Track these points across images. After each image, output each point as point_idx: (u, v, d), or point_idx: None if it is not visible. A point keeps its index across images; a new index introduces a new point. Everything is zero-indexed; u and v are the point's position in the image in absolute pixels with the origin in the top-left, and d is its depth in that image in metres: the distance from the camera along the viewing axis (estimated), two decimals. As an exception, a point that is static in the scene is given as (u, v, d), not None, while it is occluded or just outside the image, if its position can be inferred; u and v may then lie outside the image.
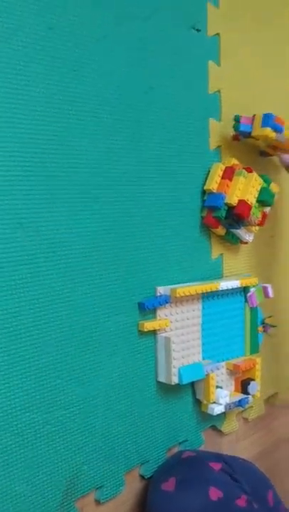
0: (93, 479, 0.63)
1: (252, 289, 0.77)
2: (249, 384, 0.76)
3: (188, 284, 0.71)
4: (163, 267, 0.69)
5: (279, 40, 0.85)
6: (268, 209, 0.76)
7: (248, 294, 0.77)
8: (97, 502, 0.64)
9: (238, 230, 0.73)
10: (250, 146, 0.79)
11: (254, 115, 0.72)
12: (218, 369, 0.73)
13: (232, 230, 0.73)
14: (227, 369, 0.76)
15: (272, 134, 0.71)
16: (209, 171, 0.73)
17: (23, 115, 0.53)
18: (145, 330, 0.65)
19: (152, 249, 0.67)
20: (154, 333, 0.68)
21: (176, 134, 0.69)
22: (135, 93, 0.63)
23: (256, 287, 0.78)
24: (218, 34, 0.73)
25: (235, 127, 0.72)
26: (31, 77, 0.53)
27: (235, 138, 0.76)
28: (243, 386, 0.77)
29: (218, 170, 0.72)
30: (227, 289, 0.74)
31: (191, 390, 0.74)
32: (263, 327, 0.81)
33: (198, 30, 0.70)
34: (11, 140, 0.52)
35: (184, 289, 0.67)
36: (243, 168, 0.72)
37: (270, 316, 0.82)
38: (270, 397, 0.90)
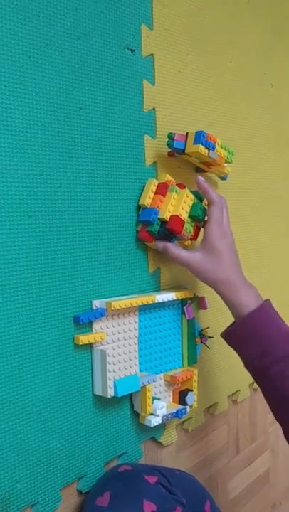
0: (28, 496, 0.62)
1: (188, 301, 0.79)
2: (187, 395, 0.77)
3: (124, 297, 0.72)
4: (99, 281, 0.69)
5: (213, 59, 0.88)
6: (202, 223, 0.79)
7: (185, 306, 0.79)
8: (33, 520, 0.63)
9: None
10: (185, 163, 0.81)
11: (187, 133, 0.75)
12: (154, 381, 0.74)
13: None
14: (165, 380, 0.77)
15: (205, 151, 0.74)
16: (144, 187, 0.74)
17: None
18: (80, 343, 0.65)
19: (88, 262, 0.68)
20: (90, 346, 0.68)
21: (111, 151, 0.70)
22: (67, 111, 0.64)
23: (193, 299, 0.80)
24: (152, 55, 0.75)
25: (169, 144, 0.74)
26: None
27: (171, 154, 0.78)
28: (181, 397, 0.78)
29: (151, 186, 0.73)
30: (164, 302, 0.75)
31: (129, 403, 0.74)
32: (201, 338, 0.83)
33: (132, 51, 0.72)
34: None
35: (119, 302, 0.68)
36: (176, 185, 0.74)
37: (207, 328, 0.84)
38: (210, 407, 0.92)
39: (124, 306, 0.68)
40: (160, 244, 0.73)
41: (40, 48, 0.61)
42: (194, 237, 0.77)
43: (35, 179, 0.61)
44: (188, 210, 0.74)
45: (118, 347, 0.70)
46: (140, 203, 0.73)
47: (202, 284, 0.86)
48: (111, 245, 0.71)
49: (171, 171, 0.79)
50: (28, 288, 0.61)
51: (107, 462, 0.72)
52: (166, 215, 0.72)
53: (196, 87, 0.84)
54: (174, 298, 0.75)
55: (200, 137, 0.73)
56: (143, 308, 0.74)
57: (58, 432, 0.65)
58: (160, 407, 0.73)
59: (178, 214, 0.72)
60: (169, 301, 0.76)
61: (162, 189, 0.73)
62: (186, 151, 0.75)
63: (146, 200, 0.73)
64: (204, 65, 0.86)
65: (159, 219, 0.72)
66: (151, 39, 0.75)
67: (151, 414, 0.73)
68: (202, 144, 0.73)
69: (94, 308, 0.68)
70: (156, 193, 0.73)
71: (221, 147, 0.78)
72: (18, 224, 0.59)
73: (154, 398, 0.74)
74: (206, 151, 0.74)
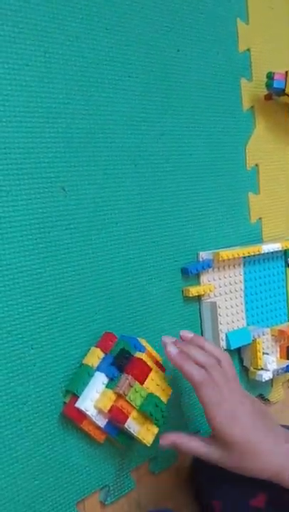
0: (147, 450, 0.61)
1: (293, 253, 0.76)
2: (296, 349, 0.74)
3: (229, 248, 0.69)
4: (203, 232, 0.67)
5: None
6: None
7: (289, 258, 0.75)
8: (152, 473, 0.63)
9: None
10: (283, 107, 0.77)
11: (287, 71, 0.70)
12: (263, 335, 0.71)
13: None
14: (272, 335, 0.74)
15: (307, 89, 0.69)
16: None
17: (58, 78, 0.51)
18: (190, 295, 0.63)
19: (192, 213, 0.65)
20: (198, 299, 0.66)
21: (209, 95, 0.67)
22: (166, 53, 0.61)
23: (297, 250, 0.76)
24: (244, -9, 0.71)
25: (269, 84, 0.70)
26: (62, 37, 0.52)
27: (268, 98, 0.73)
28: (289, 352, 0.75)
29: None
30: (268, 253, 0.72)
31: (238, 358, 0.72)
32: (305, 292, 0.79)
33: (225, -13, 0.68)
34: (50, 105, 0.51)
35: (227, 253, 0.65)
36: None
37: (311, 281, 0.80)
38: (314, 365, 0.88)
39: (231, 257, 0.65)
40: (168, 439, 0.53)
41: (137, -13, 0.58)
42: None
43: (140, 125, 0.59)
44: (139, 403, 0.52)
45: (225, 300, 0.68)
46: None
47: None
48: (213, 195, 0.68)
49: (268, 116, 0.75)
50: (138, 239, 0.59)
51: (219, 418, 0.71)
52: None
53: (289, 25, 0.79)
54: (280, 248, 0.72)
55: (301, 74, 0.68)
56: (247, 261, 0.71)
57: (173, 384, 0.64)
58: (270, 362, 0.71)
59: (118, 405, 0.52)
60: (273, 252, 0.73)
61: None
62: (286, 91, 0.70)
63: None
64: (296, 0, 0.80)
65: None
66: (243, -26, 0.71)
67: (262, 368, 0.71)
68: (304, 82, 0.69)
69: (200, 260, 0.66)
70: None
71: None
72: (126, 172, 0.58)
73: (263, 353, 0.71)
74: (309, 89, 0.70)
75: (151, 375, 0.55)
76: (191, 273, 0.64)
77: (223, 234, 0.70)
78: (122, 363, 0.53)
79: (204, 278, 0.66)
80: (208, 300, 0.66)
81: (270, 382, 0.78)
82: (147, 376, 0.54)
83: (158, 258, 0.62)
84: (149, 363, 0.55)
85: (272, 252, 0.73)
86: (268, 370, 0.71)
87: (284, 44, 0.78)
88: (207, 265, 0.65)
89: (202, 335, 0.67)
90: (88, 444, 0.55)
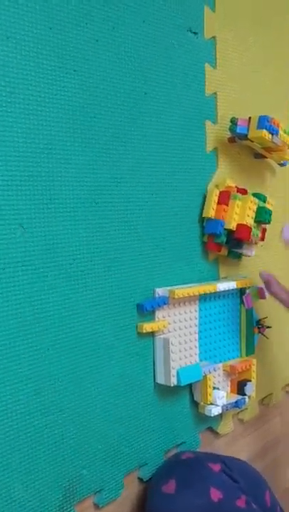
0: (92, 483, 0.62)
1: (247, 291, 0.78)
2: (246, 385, 0.76)
3: (186, 285, 0.71)
4: (160, 269, 0.69)
5: (275, 43, 0.86)
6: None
7: (244, 296, 0.78)
8: (96, 506, 0.63)
9: (240, 250, 0.76)
10: (245, 149, 0.79)
11: (250, 117, 0.73)
12: (215, 370, 0.73)
13: (235, 250, 0.76)
14: (224, 370, 0.76)
15: (268, 136, 0.72)
16: (206, 195, 0.73)
17: (22, 118, 0.52)
18: (144, 331, 0.65)
19: (149, 251, 0.67)
20: (152, 334, 0.67)
21: (173, 136, 0.69)
22: (132, 96, 0.63)
23: (251, 288, 0.78)
24: (214, 37, 0.73)
25: (232, 129, 0.72)
26: (28, 78, 0.53)
27: (231, 140, 0.76)
28: (240, 387, 0.77)
29: (213, 196, 0.72)
30: (223, 291, 0.74)
31: (189, 392, 0.74)
32: (259, 328, 0.81)
33: (195, 33, 0.70)
34: (11, 143, 0.52)
35: (182, 291, 0.67)
36: (237, 191, 0.74)
37: (265, 318, 0.83)
38: (265, 398, 0.91)
39: (186, 295, 0.67)
40: (264, 276, 0.75)
41: (108, 31, 0.60)
42: (262, 238, 0.77)
43: (100, 166, 0.60)
44: (254, 216, 0.73)
45: (179, 336, 0.70)
46: (204, 215, 0.72)
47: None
48: (172, 233, 0.70)
49: (231, 157, 0.77)
50: (94, 276, 0.60)
51: (167, 451, 0.72)
52: (232, 225, 0.71)
53: (260, 69, 0.82)
54: (235, 287, 0.74)
55: (264, 122, 0.71)
56: (203, 298, 0.73)
57: (121, 420, 0.65)
58: (220, 397, 0.72)
59: (244, 222, 0.71)
60: (229, 290, 0.75)
61: (224, 198, 0.72)
62: (248, 136, 0.73)
63: (210, 211, 0.72)
64: (268, 46, 0.83)
65: (225, 229, 0.72)
66: (214, 20, 0.73)
67: (211, 403, 0.73)
68: (266, 129, 0.71)
69: (156, 296, 0.67)
70: (218, 203, 0.72)
71: (285, 132, 0.75)
72: (85, 211, 0.59)
73: (213, 388, 0.73)
74: (270, 136, 0.72)
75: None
76: (146, 310, 0.65)
77: (181, 271, 0.71)
78: None
79: (159, 314, 0.67)
80: (162, 336, 0.67)
81: (220, 415, 0.80)
82: None
83: (114, 294, 0.63)
84: None
85: (227, 290, 0.75)
86: (218, 405, 0.73)
87: (249, 89, 0.80)
88: (162, 302, 0.67)
89: (154, 370, 0.68)
90: (30, 476, 0.55)
